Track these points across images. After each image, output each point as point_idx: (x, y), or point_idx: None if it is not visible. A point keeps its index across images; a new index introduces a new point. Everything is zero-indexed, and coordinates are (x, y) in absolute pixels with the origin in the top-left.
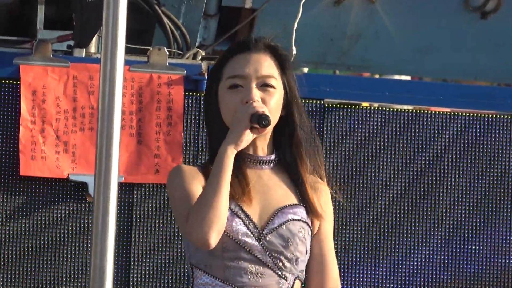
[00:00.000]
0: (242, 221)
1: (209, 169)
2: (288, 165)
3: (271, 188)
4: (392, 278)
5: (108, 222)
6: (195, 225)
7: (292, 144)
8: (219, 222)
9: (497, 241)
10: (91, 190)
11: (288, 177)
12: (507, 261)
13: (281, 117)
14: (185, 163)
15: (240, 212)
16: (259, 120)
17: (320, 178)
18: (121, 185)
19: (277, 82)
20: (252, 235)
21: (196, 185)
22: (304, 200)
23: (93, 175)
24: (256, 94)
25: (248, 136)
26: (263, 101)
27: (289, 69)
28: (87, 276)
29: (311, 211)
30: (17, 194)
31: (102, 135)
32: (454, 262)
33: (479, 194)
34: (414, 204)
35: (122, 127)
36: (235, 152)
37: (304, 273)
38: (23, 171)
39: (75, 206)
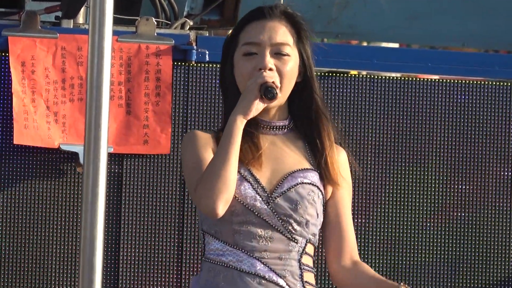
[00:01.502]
0: (251, 185)
1: (220, 135)
2: (306, 130)
3: (284, 153)
4: (380, 249)
5: (98, 192)
6: (203, 194)
7: (311, 111)
8: (227, 192)
9: (488, 208)
10: (81, 159)
11: (305, 142)
12: (499, 228)
13: (297, 83)
14: (173, 134)
15: (250, 176)
16: (265, 93)
17: (339, 145)
18: (110, 156)
19: (291, 49)
20: (260, 199)
21: (209, 152)
22: (320, 166)
23: (83, 145)
24: (270, 61)
25: (258, 105)
26: (277, 68)
27: (306, 36)
28: (78, 246)
29: (326, 177)
30: (9, 163)
31: (91, 105)
32: (445, 231)
33: (469, 161)
34: (403, 171)
35: (111, 97)
36: (245, 121)
37: (316, 237)
38: (16, 140)
39: (65, 176)
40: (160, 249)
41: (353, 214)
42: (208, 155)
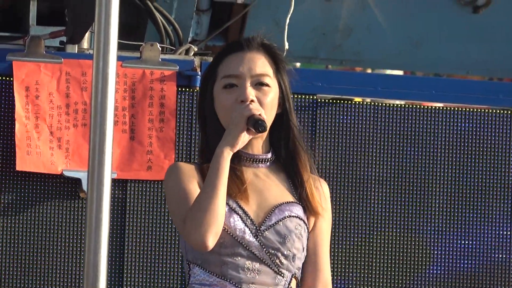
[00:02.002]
0: (240, 217)
1: (203, 167)
2: (285, 163)
3: (267, 186)
4: (385, 274)
5: (101, 218)
6: (193, 228)
7: (289, 142)
8: (216, 225)
9: (489, 236)
10: (84, 186)
11: (285, 175)
12: (501, 256)
13: (276, 115)
14: (177, 160)
15: (238, 208)
16: (254, 126)
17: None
18: (114, 182)
19: (271, 80)
20: (249, 231)
21: (194, 184)
22: (301, 198)
23: (86, 171)
24: (251, 93)
25: (244, 138)
26: (258, 100)
27: (284, 67)
28: (81, 273)
29: (308, 208)
30: (12, 190)
31: (95, 131)
32: (448, 257)
33: (471, 189)
34: (406, 199)
35: (115, 123)
36: (231, 154)
37: (300, 271)
38: (19, 166)
39: (69, 202)
40: (164, 275)
41: (357, 241)
42: (193, 187)
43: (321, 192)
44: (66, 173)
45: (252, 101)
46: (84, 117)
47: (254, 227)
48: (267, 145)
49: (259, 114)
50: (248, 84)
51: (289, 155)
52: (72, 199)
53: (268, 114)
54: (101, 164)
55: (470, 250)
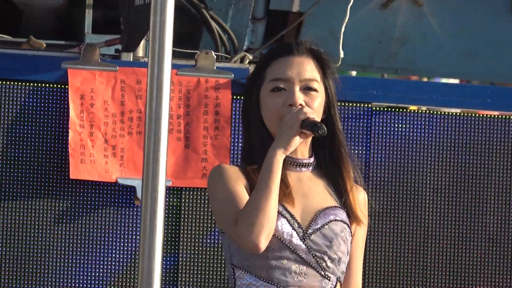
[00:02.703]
0: (287, 220)
1: (247, 169)
2: (328, 169)
3: (310, 190)
4: (440, 281)
5: (156, 225)
6: (245, 230)
7: (334, 148)
8: (269, 226)
9: None
10: (139, 193)
11: (327, 180)
12: None
13: (321, 120)
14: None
15: (285, 212)
16: (313, 129)
17: (356, 183)
18: (168, 189)
19: (319, 85)
20: (296, 235)
21: (240, 185)
22: (345, 204)
23: (141, 179)
24: (300, 97)
25: (296, 141)
26: (306, 104)
27: (331, 73)
28: (135, 280)
29: (352, 215)
30: (66, 198)
31: (150, 139)
32: (502, 265)
33: None
34: (462, 208)
35: (170, 131)
36: (284, 156)
37: (344, 274)
38: (73, 175)
39: (123, 210)
40: (218, 282)
41: (412, 249)
42: (240, 188)
43: (361, 201)
44: (121, 181)
45: (301, 105)
46: (139, 125)
47: (301, 231)
48: (310, 150)
49: (313, 118)
50: (297, 88)
51: (333, 162)
52: (127, 207)
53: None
54: (156, 172)
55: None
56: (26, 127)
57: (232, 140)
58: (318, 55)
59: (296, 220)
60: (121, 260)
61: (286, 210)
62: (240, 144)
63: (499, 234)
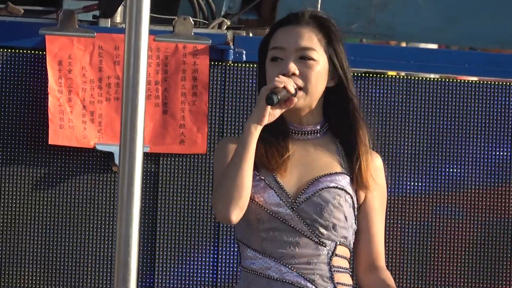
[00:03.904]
0: (275, 191)
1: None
2: (342, 134)
3: (314, 158)
4: (414, 250)
5: (133, 192)
6: (217, 201)
7: (348, 114)
8: (240, 198)
9: None
10: (117, 160)
11: (338, 146)
12: None
13: (331, 88)
14: (210, 133)
15: (274, 183)
16: (266, 98)
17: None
18: (146, 155)
19: (318, 54)
20: (285, 205)
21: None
22: (353, 170)
23: (119, 144)
24: (293, 66)
25: (275, 111)
26: (302, 73)
27: (336, 39)
28: (113, 246)
29: (357, 181)
30: (44, 164)
31: (127, 105)
32: (473, 234)
33: (507, 163)
34: (440, 173)
35: (148, 97)
36: (259, 127)
37: (349, 238)
38: (51, 140)
39: (101, 176)
40: (196, 248)
41: (388, 217)
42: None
43: (376, 167)
44: (99, 147)
45: (293, 74)
46: (117, 91)
47: (290, 200)
48: (317, 116)
49: (283, 87)
50: (292, 57)
51: (348, 127)
52: (105, 173)
53: (313, 87)
54: (133, 138)
55: (498, 228)
56: (3, 93)
57: (210, 106)
58: (321, 22)
59: (284, 190)
60: (99, 225)
61: (276, 181)
62: (218, 110)
63: (476, 200)
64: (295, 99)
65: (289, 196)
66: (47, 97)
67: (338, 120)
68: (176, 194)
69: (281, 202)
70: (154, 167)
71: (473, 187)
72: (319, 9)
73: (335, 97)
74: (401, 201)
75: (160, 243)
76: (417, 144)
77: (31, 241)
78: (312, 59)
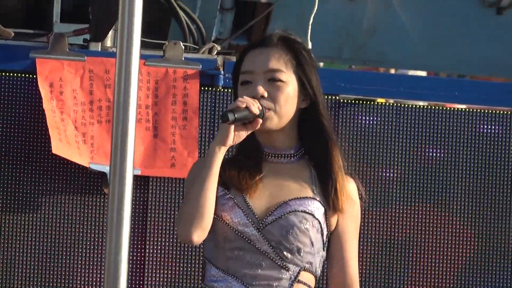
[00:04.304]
0: (242, 211)
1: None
2: (315, 158)
3: (285, 181)
4: (404, 275)
5: (123, 215)
6: (179, 222)
7: (319, 135)
8: (202, 219)
9: (506, 238)
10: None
11: (312, 171)
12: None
13: (303, 109)
14: (200, 157)
15: (242, 203)
16: (221, 115)
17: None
18: (137, 178)
19: (286, 75)
20: (251, 225)
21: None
22: (325, 194)
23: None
24: (261, 89)
25: (240, 133)
26: (271, 94)
27: (306, 60)
28: (102, 268)
29: (333, 204)
30: (48, 174)
31: (118, 128)
32: (463, 259)
33: (492, 191)
34: (427, 201)
35: (138, 120)
36: (224, 148)
37: (314, 265)
38: (54, 149)
39: (92, 196)
40: (185, 272)
41: (377, 240)
42: None
43: (349, 190)
44: (92, 167)
45: (262, 97)
46: (108, 114)
47: (257, 221)
48: (291, 140)
49: (245, 107)
50: (260, 80)
51: (321, 148)
52: (96, 194)
53: (282, 108)
54: (123, 160)
55: (490, 254)
56: None
57: (200, 131)
58: (290, 44)
59: (251, 211)
60: (89, 250)
61: (245, 201)
62: (208, 134)
63: (465, 225)
64: (260, 120)
65: (256, 216)
66: (39, 118)
67: (311, 141)
68: (165, 217)
69: (248, 222)
70: (144, 190)
71: (460, 211)
72: (309, 35)
73: (308, 118)
74: (388, 223)
75: (149, 266)
76: (404, 171)
77: (20, 253)
78: (281, 80)
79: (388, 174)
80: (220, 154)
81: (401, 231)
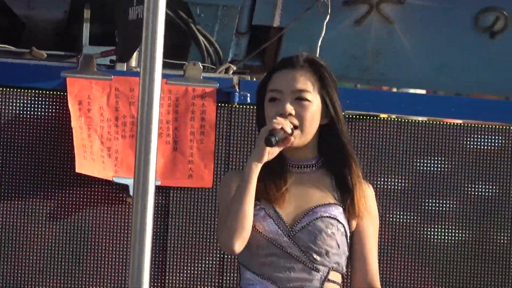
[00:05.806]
0: (274, 221)
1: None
2: (335, 168)
3: (309, 190)
4: (403, 283)
5: (146, 222)
6: (222, 233)
7: (338, 150)
8: (243, 230)
9: (503, 246)
10: (131, 192)
11: (332, 179)
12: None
13: (324, 126)
14: (215, 169)
15: (273, 213)
16: (265, 140)
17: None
18: (157, 188)
19: (312, 95)
20: (282, 233)
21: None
22: (345, 200)
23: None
24: (289, 107)
25: (273, 150)
26: (298, 113)
27: (329, 82)
28: (127, 274)
29: (349, 211)
30: (67, 195)
31: (141, 142)
32: (466, 268)
33: (490, 201)
34: (428, 213)
35: (159, 135)
36: (259, 165)
37: (342, 264)
38: (78, 168)
39: (117, 206)
40: (204, 279)
41: (380, 251)
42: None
43: (367, 195)
44: (116, 180)
45: (290, 114)
46: (132, 129)
47: (287, 229)
48: (313, 152)
49: (281, 128)
50: (288, 98)
51: (340, 161)
52: (120, 204)
53: (308, 126)
54: (146, 172)
55: (483, 255)
56: (27, 131)
57: (216, 144)
58: (315, 66)
59: (282, 220)
60: (114, 255)
61: (275, 211)
62: (224, 148)
63: (462, 238)
64: (292, 138)
65: (287, 225)
66: (68, 133)
67: (331, 155)
68: (185, 224)
69: (279, 230)
70: (165, 199)
71: (458, 226)
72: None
73: (328, 133)
74: (389, 242)
75: (170, 270)
76: (406, 181)
77: (46, 266)
78: (307, 100)
79: (389, 184)
80: (256, 170)
81: (400, 245)
